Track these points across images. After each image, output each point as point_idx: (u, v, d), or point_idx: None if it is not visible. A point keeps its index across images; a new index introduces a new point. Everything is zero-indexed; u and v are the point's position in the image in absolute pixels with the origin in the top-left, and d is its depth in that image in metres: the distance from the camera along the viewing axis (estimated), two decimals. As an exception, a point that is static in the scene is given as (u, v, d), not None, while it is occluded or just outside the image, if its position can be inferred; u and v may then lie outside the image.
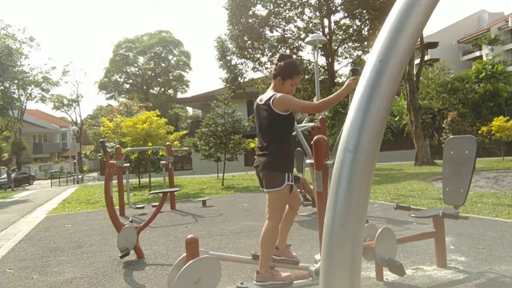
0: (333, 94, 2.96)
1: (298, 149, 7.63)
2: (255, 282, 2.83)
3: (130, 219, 5.82)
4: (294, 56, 19.55)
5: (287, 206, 3.14)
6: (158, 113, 14.42)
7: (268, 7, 18.80)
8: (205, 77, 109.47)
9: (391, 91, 0.70)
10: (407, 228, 5.12)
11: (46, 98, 42.23)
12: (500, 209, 6.07)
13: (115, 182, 8.65)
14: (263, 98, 3.01)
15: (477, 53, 43.47)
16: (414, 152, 18.62)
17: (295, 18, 19.24)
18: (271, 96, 2.92)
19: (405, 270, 3.02)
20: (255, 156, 3.07)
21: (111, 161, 4.86)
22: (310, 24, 19.14)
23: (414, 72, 18.99)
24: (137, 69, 52.97)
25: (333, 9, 18.82)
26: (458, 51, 46.19)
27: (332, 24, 19.24)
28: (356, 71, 3.02)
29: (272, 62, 3.13)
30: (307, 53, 39.56)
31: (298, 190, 6.72)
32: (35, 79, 39.62)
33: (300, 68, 3.15)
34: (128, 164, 10.20)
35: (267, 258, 2.85)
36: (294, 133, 3.90)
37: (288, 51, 19.40)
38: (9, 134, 36.64)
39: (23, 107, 40.06)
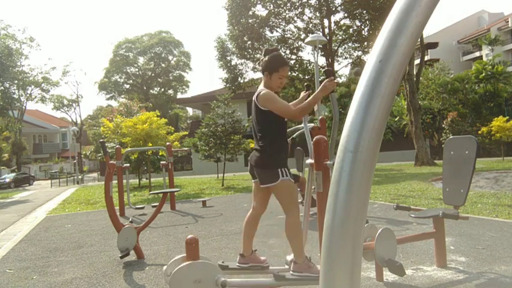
0: (309, 98, 2.91)
1: (299, 148, 7.61)
2: (291, 272, 2.83)
3: (130, 219, 5.82)
4: (294, 56, 19.58)
5: (251, 208, 3.19)
6: (158, 114, 14.42)
7: (268, 7, 18.78)
8: (205, 77, 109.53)
9: (391, 91, 0.70)
10: (407, 228, 5.12)
11: (46, 98, 42.36)
12: (500, 209, 6.07)
13: (115, 182, 8.64)
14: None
15: (477, 54, 43.45)
16: (414, 152, 18.63)
17: (295, 18, 19.22)
18: (258, 92, 2.95)
19: (405, 270, 3.02)
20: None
21: (111, 162, 4.86)
22: (310, 25, 19.12)
23: (414, 73, 19.00)
24: (137, 69, 52.97)
25: (333, 9, 18.81)
26: (458, 52, 46.17)
27: (332, 25, 19.22)
28: (329, 72, 2.93)
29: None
30: (307, 54, 39.48)
31: (298, 189, 6.70)
32: (35, 79, 39.66)
33: (286, 60, 3.08)
34: (128, 165, 10.20)
35: (299, 248, 2.86)
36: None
37: (288, 52, 19.40)
38: (9, 134, 36.68)
39: (23, 107, 40.09)
